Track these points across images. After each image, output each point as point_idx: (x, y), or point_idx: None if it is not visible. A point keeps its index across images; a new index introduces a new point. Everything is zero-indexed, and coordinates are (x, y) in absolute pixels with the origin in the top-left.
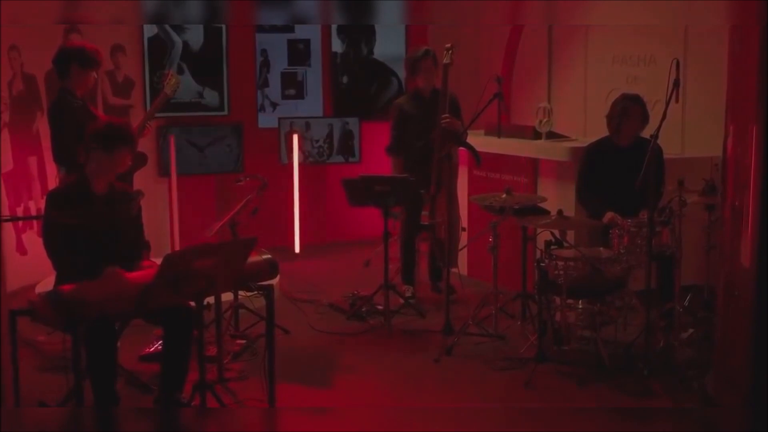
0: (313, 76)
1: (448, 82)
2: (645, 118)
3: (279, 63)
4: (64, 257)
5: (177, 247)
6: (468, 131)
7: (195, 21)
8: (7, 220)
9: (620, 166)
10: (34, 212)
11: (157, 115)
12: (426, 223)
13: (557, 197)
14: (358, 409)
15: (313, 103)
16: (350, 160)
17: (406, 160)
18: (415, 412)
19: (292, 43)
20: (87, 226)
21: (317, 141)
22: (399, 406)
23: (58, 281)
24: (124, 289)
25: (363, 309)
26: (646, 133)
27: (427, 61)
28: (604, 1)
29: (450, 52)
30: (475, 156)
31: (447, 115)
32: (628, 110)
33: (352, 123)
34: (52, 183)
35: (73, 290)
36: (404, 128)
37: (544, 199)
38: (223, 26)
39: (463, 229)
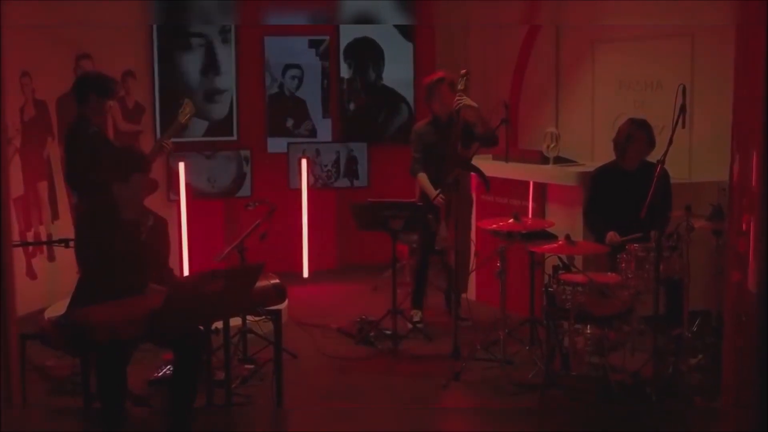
0: None
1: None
2: (651, 143)
3: None
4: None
5: (186, 272)
6: (475, 155)
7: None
8: (17, 245)
9: (627, 190)
10: (44, 237)
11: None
12: (437, 248)
13: (565, 222)
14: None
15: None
16: (355, 183)
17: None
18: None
19: None
20: (119, 249)
21: (326, 166)
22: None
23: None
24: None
25: (371, 334)
26: (654, 157)
27: (441, 88)
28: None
29: (465, 78)
30: (484, 180)
31: (461, 94)
32: (634, 135)
33: (358, 148)
34: (63, 208)
35: (84, 314)
36: (423, 152)
37: (551, 224)
38: (233, 57)
39: (476, 254)
